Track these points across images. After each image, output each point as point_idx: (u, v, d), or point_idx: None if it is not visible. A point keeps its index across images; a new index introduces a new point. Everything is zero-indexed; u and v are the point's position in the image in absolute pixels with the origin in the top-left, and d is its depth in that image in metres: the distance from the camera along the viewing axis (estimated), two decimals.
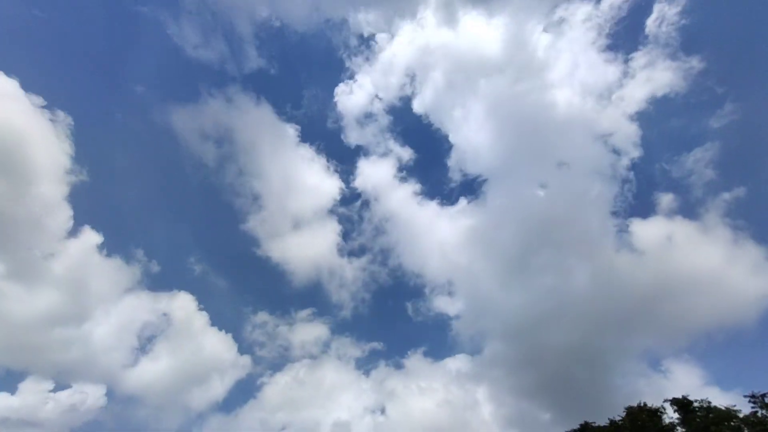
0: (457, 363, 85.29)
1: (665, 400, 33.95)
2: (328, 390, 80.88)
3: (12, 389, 68.90)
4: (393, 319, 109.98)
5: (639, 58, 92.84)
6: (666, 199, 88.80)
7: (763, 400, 30.97)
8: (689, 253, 78.07)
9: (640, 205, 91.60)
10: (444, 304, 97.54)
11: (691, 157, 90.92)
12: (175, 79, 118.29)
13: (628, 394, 62.07)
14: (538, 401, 71.22)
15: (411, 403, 74.14)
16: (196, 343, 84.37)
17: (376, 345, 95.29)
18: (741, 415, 30.42)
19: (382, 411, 75.29)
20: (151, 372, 78.30)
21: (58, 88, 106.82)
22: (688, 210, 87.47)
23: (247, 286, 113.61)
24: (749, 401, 31.59)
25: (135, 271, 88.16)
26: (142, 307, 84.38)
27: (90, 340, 77.75)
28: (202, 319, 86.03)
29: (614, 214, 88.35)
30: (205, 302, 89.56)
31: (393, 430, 68.97)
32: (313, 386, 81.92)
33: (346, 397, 79.00)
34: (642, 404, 34.67)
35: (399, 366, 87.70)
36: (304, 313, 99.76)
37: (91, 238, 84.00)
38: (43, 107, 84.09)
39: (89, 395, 71.07)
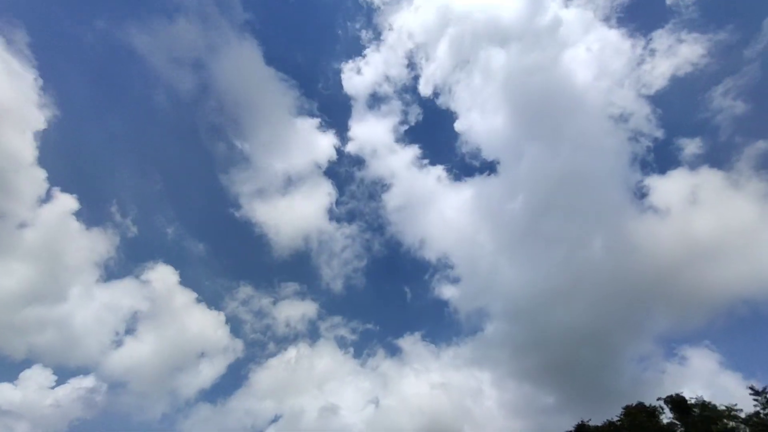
0: (457, 346, 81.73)
1: (659, 399, 33.06)
2: (318, 375, 77.35)
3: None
4: (388, 297, 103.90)
5: (660, 35, 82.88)
6: (690, 147, 76.60)
7: (765, 395, 29.92)
8: (716, 210, 67.69)
9: (660, 157, 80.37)
10: (444, 281, 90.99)
11: (721, 87, 76.55)
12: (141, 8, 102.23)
13: (642, 380, 59.49)
14: (543, 386, 67.61)
15: (407, 389, 71.32)
16: (178, 321, 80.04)
17: (370, 326, 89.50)
18: (742, 415, 29.46)
19: (377, 398, 71.72)
20: (134, 355, 74.20)
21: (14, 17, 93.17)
22: (716, 158, 76.00)
23: (227, 255, 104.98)
24: (751, 394, 30.61)
25: (113, 239, 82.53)
26: (121, 284, 79.91)
27: (66, 321, 72.75)
28: (184, 296, 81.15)
29: (631, 171, 78.37)
30: (184, 274, 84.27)
31: (388, 419, 66.63)
32: (303, 371, 78.22)
33: (337, 384, 75.94)
34: (640, 404, 33.75)
35: (394, 349, 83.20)
36: (290, 288, 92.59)
37: (66, 203, 78.15)
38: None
39: (67, 382, 67.92)
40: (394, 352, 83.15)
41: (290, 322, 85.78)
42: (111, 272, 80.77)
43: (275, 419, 69.88)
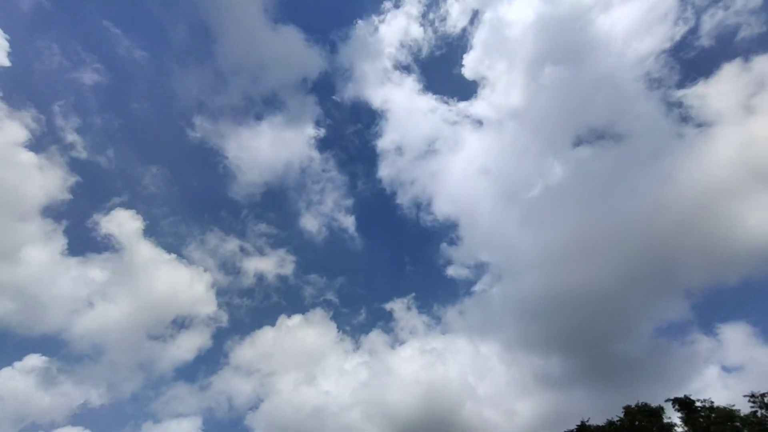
0: (456, 310, 73.62)
1: (667, 399, 33.63)
2: (303, 348, 69.41)
3: None
4: (377, 251, 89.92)
5: None
6: (746, 28, 58.35)
7: (763, 399, 30.75)
8: None
9: (705, 52, 64.87)
10: (443, 235, 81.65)
11: None
12: None
13: (668, 352, 53.60)
14: (552, 357, 59.63)
15: (401, 361, 63.85)
16: (146, 278, 71.56)
17: (358, 288, 79.12)
18: (741, 415, 30.14)
19: (368, 371, 64.34)
20: (99, 323, 65.54)
21: None
22: None
23: (186, 187, 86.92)
24: (749, 401, 31.39)
25: (64, 172, 71.93)
26: (81, 239, 72.11)
27: (19, 284, 62.77)
28: (149, 249, 72.37)
29: (667, 85, 64.71)
30: (148, 222, 74.29)
31: (381, 393, 59.10)
32: (286, 344, 70.26)
33: (323, 357, 68.86)
34: (641, 404, 34.34)
35: (385, 314, 73.64)
36: (262, 234, 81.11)
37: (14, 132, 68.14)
38: None
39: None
40: (384, 317, 73.23)
41: (265, 277, 76.37)
42: (68, 222, 70.42)
43: (256, 400, 64.15)
